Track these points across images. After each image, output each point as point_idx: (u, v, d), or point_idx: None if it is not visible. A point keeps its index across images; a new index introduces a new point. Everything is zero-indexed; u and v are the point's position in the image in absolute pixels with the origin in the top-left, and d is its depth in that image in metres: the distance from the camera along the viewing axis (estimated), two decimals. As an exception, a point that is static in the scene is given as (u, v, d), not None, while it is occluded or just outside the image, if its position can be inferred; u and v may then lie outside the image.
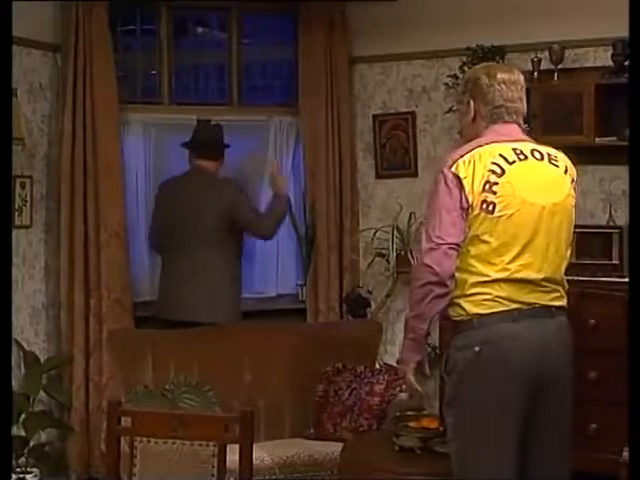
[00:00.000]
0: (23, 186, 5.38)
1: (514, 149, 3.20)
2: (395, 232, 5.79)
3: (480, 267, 3.15)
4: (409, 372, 3.28)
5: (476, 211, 3.13)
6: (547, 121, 5.33)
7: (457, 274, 3.16)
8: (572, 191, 3.31)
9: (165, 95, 6.05)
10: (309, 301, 6.02)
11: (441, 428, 4.07)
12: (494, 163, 3.15)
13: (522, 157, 3.19)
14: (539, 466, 3.24)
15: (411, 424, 4.18)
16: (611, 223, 5.32)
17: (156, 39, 6.03)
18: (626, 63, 5.09)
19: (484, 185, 3.13)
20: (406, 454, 4.07)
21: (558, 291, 3.26)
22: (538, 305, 3.17)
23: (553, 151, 3.31)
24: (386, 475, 3.94)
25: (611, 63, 5.23)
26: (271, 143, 6.12)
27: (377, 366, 5.13)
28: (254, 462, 4.24)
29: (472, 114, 3.29)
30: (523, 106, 3.32)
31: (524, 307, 3.15)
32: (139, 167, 5.89)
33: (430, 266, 3.11)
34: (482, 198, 3.12)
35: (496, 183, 3.13)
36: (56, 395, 5.44)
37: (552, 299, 3.22)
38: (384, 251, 5.85)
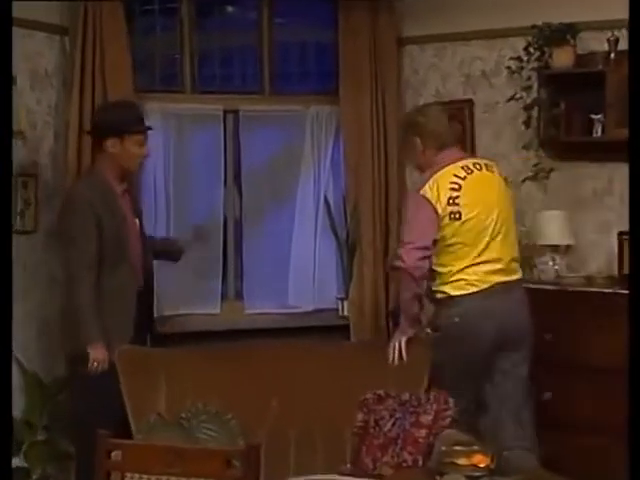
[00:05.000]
0: (25, 186, 5.12)
1: (462, 167, 4.48)
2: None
3: (456, 261, 4.43)
4: (404, 340, 4.56)
5: (446, 220, 4.38)
6: (625, 110, 4.76)
7: (439, 269, 4.44)
8: (506, 186, 4.65)
9: (187, 83, 5.88)
10: (351, 317, 5.82)
11: (492, 466, 3.93)
12: (452, 182, 4.42)
13: (469, 171, 4.47)
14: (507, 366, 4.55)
15: (459, 461, 3.94)
16: None
17: (177, 20, 5.84)
18: None
19: (448, 200, 4.39)
20: (451, 495, 3.81)
21: (516, 268, 4.55)
22: (502, 282, 4.44)
23: (486, 161, 4.63)
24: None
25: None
26: (307, 136, 5.93)
27: (425, 393, 4.65)
28: (280, 501, 4.05)
29: (421, 148, 4.55)
30: (452, 129, 4.82)
31: (492, 285, 4.41)
32: (157, 162, 5.67)
33: (403, 267, 4.42)
34: (449, 210, 4.38)
35: (457, 197, 4.40)
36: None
37: (512, 274, 4.51)
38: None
